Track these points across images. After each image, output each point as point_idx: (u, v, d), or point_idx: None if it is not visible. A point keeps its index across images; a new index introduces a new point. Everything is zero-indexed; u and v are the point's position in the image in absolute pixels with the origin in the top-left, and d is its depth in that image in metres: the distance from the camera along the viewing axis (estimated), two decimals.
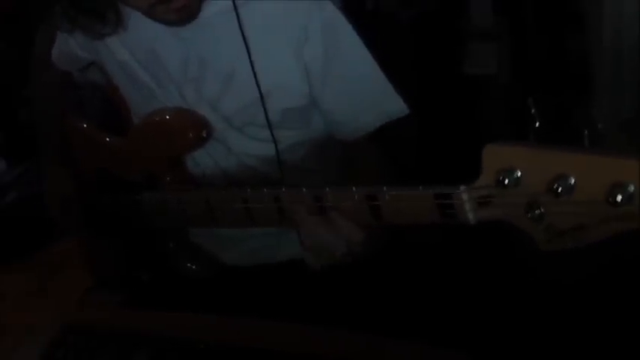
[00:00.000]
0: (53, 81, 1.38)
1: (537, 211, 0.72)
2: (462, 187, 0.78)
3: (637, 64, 2.08)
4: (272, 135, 1.13)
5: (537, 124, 0.72)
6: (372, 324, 1.04)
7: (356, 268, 1.19)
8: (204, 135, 1.15)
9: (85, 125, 1.33)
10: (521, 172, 0.72)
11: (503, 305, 1.59)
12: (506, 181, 0.72)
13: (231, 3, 1.06)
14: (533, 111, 0.72)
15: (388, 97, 1.12)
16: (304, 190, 0.94)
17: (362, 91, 1.12)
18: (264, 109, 1.11)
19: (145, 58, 1.16)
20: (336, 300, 1.18)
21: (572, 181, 0.68)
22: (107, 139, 1.28)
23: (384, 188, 0.86)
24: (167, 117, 1.18)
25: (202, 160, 1.20)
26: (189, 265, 1.29)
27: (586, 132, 0.71)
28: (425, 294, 1.24)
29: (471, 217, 0.79)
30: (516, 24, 2.59)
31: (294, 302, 1.18)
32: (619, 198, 0.65)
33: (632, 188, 0.64)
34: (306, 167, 1.20)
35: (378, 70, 1.11)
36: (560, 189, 0.68)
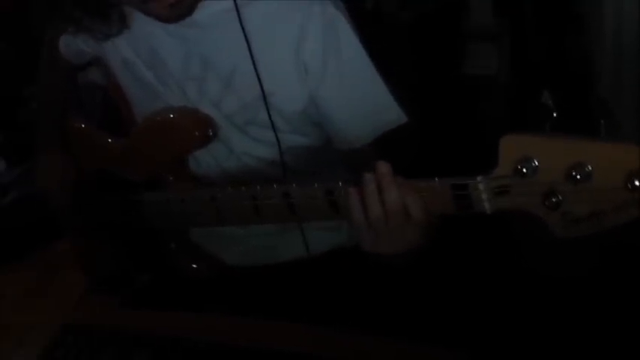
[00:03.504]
0: (60, 73, 1.38)
1: (554, 199, 0.74)
2: (479, 178, 0.79)
3: (637, 64, 2.08)
4: (275, 132, 1.13)
5: (555, 115, 0.74)
6: (372, 324, 1.04)
7: (356, 268, 1.20)
8: (211, 134, 1.15)
9: (85, 125, 1.33)
10: (538, 161, 0.74)
11: (503, 304, 1.59)
12: (525, 170, 0.74)
13: (231, 2, 1.05)
14: (550, 102, 0.74)
15: (386, 106, 1.11)
16: (315, 185, 0.94)
17: (360, 98, 1.11)
18: (267, 107, 1.10)
19: (148, 57, 1.16)
20: (336, 300, 1.18)
21: (590, 168, 0.71)
22: (109, 139, 1.28)
23: (400, 180, 0.86)
24: (172, 116, 1.17)
25: (204, 160, 1.20)
26: (190, 265, 1.29)
27: (602, 122, 0.73)
28: (425, 293, 1.24)
29: (487, 206, 0.80)
30: (516, 24, 2.60)
31: (295, 302, 1.18)
32: (638, 183, 0.67)
33: None
34: (306, 170, 1.20)
35: (376, 76, 1.10)
36: (578, 176, 0.71)
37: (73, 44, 1.29)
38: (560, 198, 0.74)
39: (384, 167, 0.86)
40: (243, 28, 1.06)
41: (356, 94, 1.11)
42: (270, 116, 1.11)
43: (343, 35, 1.08)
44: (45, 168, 1.37)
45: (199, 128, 1.15)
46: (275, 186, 0.98)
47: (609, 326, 1.49)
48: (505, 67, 2.60)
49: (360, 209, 0.87)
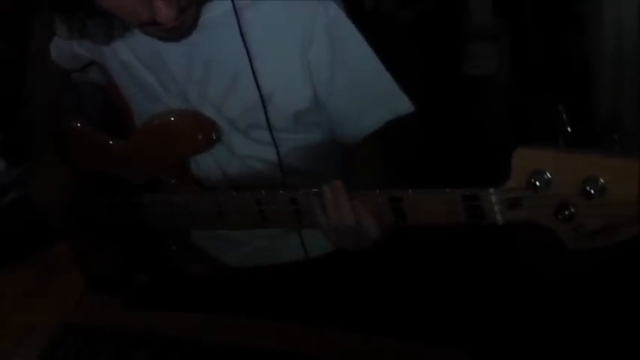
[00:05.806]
0: (51, 78, 1.37)
1: (567, 212, 0.75)
2: (492, 190, 0.80)
3: (637, 65, 2.09)
4: (272, 137, 1.13)
5: (569, 129, 0.74)
6: (372, 324, 1.04)
7: (357, 267, 1.20)
8: (214, 137, 1.15)
9: (84, 127, 1.33)
10: (551, 174, 0.74)
11: (505, 304, 1.59)
12: (538, 183, 0.75)
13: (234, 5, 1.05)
14: (564, 116, 0.75)
15: (393, 96, 1.12)
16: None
17: (368, 91, 1.12)
18: (265, 111, 1.10)
19: (148, 59, 1.16)
20: (337, 300, 1.18)
21: (603, 182, 0.71)
22: (110, 141, 1.27)
23: (410, 191, 0.88)
24: (175, 119, 1.17)
25: (205, 163, 1.20)
26: (191, 266, 1.29)
27: (616, 136, 0.74)
28: (426, 293, 1.24)
29: (499, 218, 0.81)
30: (516, 24, 2.59)
31: (296, 303, 1.18)
32: None
33: None
34: (309, 171, 1.20)
35: (382, 69, 1.11)
36: (592, 191, 0.71)
37: (67, 49, 1.28)
38: (572, 211, 0.74)
39: (338, 184, 0.95)
40: (241, 30, 1.06)
41: (364, 90, 1.12)
42: (267, 117, 1.11)
43: (348, 34, 1.09)
44: (39, 183, 1.37)
45: (202, 132, 1.15)
46: (281, 191, 0.99)
47: (611, 328, 1.49)
48: (505, 67, 2.60)
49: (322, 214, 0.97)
